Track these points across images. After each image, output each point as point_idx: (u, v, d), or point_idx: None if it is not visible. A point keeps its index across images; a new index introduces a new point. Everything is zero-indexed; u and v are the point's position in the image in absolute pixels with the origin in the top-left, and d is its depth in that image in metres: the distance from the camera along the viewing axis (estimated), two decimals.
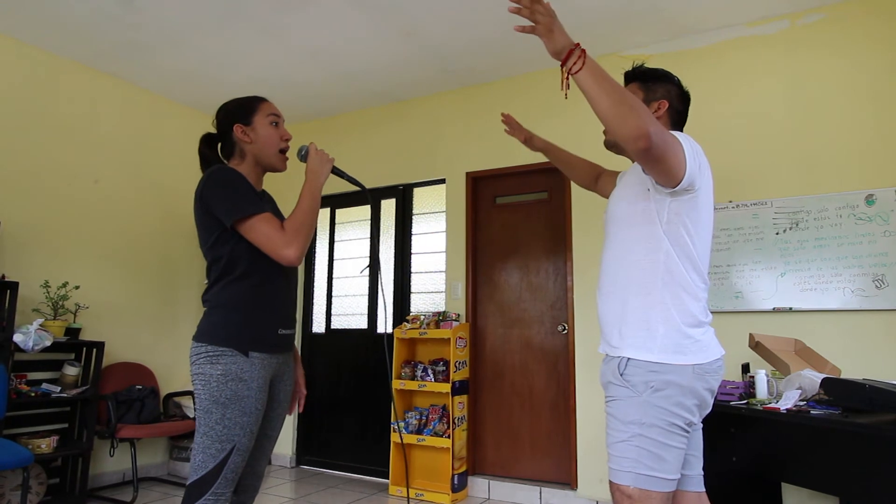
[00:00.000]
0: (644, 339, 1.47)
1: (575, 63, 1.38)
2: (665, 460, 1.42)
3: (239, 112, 1.82)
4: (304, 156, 1.86)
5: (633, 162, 1.70)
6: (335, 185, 4.81)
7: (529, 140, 2.15)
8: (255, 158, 1.82)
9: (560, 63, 1.42)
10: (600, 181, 2.04)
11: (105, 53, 4.02)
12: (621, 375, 1.48)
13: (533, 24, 1.41)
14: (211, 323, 1.68)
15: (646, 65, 1.77)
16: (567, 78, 1.44)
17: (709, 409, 1.53)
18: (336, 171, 1.92)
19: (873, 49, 3.21)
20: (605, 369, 1.58)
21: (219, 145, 1.88)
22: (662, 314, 1.48)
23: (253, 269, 1.70)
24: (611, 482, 1.48)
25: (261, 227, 1.64)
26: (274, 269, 1.73)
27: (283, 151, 1.86)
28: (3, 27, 3.69)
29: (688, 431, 1.47)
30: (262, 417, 1.70)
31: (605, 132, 1.74)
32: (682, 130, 1.72)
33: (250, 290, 1.70)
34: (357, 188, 2.10)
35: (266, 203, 1.83)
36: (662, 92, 1.69)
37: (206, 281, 1.77)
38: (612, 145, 1.75)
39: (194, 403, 1.65)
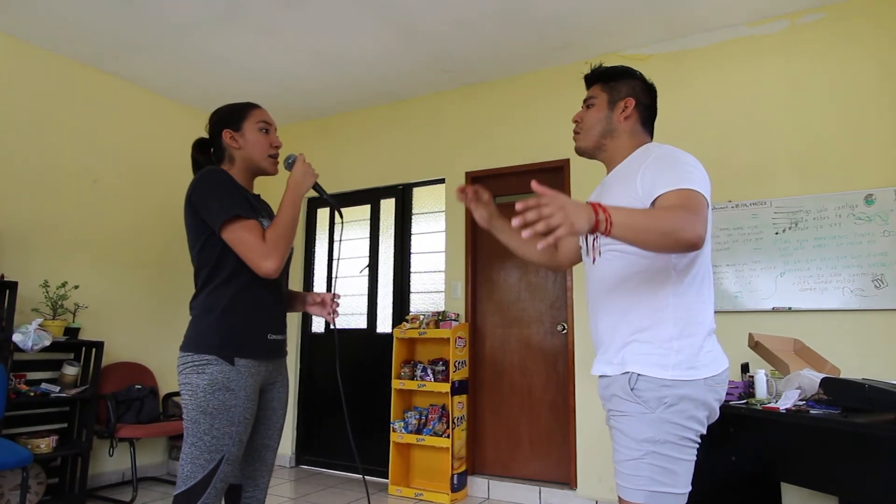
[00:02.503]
0: (659, 356, 1.42)
1: (605, 230, 1.22)
2: (677, 474, 1.39)
3: (229, 118, 1.81)
4: (290, 165, 1.84)
5: (608, 173, 1.65)
6: (335, 187, 4.81)
7: (490, 219, 1.83)
8: (244, 163, 1.80)
9: (588, 232, 1.24)
10: (560, 247, 1.88)
11: (105, 52, 4.02)
12: (632, 391, 1.42)
13: (552, 230, 1.19)
14: (196, 331, 1.66)
15: (628, 62, 1.73)
16: (595, 241, 1.37)
17: (716, 418, 1.49)
18: (317, 188, 1.89)
19: (873, 49, 3.21)
20: (606, 383, 1.51)
21: (211, 150, 1.87)
22: (677, 328, 1.43)
23: (240, 273, 1.67)
24: (621, 499, 1.44)
25: (243, 234, 1.62)
26: None
27: (272, 157, 1.83)
28: (3, 26, 3.68)
29: (698, 443, 1.44)
30: (251, 426, 1.67)
31: (575, 137, 1.69)
32: (652, 124, 1.67)
33: (237, 294, 1.68)
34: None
35: (260, 206, 1.82)
36: (626, 90, 1.63)
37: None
38: (582, 152, 1.69)
39: (182, 412, 1.63)
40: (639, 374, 1.42)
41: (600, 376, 1.55)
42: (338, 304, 1.95)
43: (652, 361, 1.42)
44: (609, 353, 1.52)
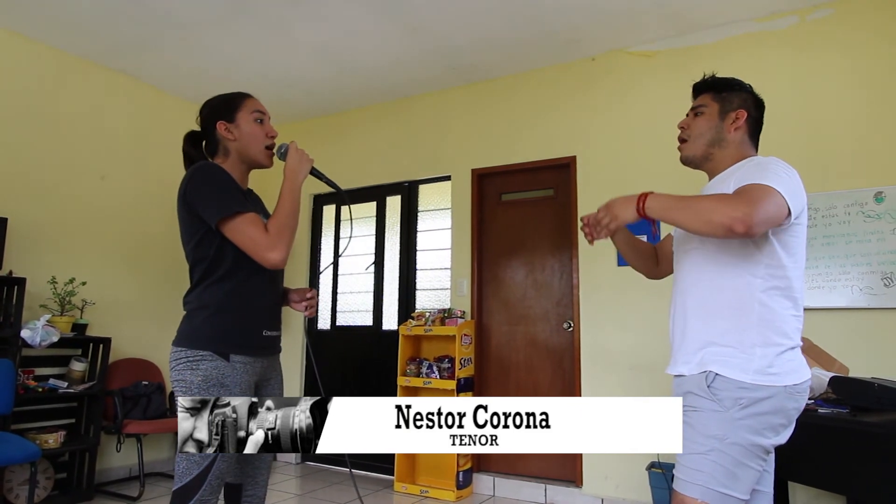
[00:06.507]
0: (740, 360, 1.41)
1: (642, 212, 1.45)
2: (739, 479, 1.37)
3: (222, 109, 1.76)
4: (283, 154, 1.78)
5: (709, 180, 1.64)
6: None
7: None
8: (240, 156, 1.76)
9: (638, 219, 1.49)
10: (659, 255, 1.89)
11: (112, 50, 4.03)
12: (708, 388, 1.42)
13: (599, 223, 1.52)
14: (191, 326, 1.64)
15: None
16: (654, 225, 1.50)
17: (792, 430, 1.46)
18: (314, 173, 1.84)
19: (882, 45, 3.18)
20: (680, 382, 1.51)
21: (203, 143, 1.81)
22: (760, 337, 1.42)
23: (237, 269, 1.65)
24: (676, 491, 1.43)
25: (245, 228, 1.59)
26: (258, 269, 1.66)
27: (268, 148, 1.78)
28: (11, 24, 3.70)
29: (769, 453, 1.43)
30: None
31: (680, 147, 1.67)
32: (758, 138, 1.68)
33: (233, 290, 1.65)
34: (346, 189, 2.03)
35: (252, 202, 1.79)
36: (739, 101, 1.62)
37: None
38: (688, 161, 1.67)
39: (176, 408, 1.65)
40: (717, 374, 1.42)
41: (675, 376, 1.55)
42: (315, 300, 1.90)
43: (733, 364, 1.41)
44: (687, 354, 1.51)
